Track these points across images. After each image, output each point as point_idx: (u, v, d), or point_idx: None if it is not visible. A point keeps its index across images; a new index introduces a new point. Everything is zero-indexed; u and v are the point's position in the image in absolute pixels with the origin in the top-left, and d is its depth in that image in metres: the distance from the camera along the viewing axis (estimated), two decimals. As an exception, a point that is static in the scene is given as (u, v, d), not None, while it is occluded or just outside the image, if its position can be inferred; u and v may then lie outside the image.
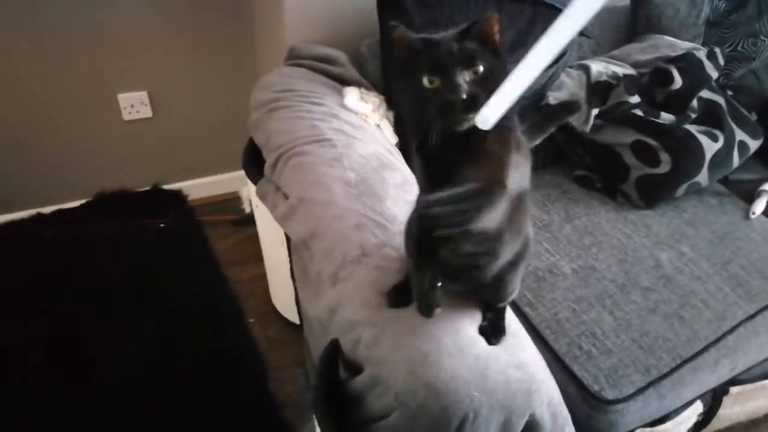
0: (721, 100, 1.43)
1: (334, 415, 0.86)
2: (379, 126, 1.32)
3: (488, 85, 0.62)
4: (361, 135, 1.21)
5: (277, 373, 1.54)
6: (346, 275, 0.94)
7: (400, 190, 1.09)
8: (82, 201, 2.04)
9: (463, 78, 0.63)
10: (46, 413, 1.43)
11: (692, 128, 1.35)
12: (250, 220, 1.73)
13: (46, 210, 2.01)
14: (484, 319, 0.86)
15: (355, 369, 0.87)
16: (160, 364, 1.54)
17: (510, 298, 0.88)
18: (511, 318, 0.95)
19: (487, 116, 0.59)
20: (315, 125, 1.20)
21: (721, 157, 1.36)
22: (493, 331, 0.84)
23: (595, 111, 1.35)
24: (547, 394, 0.83)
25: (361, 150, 1.16)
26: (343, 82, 1.37)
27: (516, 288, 0.87)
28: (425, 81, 0.64)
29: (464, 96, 0.62)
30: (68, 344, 1.59)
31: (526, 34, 1.37)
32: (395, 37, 0.67)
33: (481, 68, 0.64)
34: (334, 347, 0.92)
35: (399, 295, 0.86)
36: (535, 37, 1.44)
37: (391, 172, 1.13)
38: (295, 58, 1.42)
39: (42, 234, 1.93)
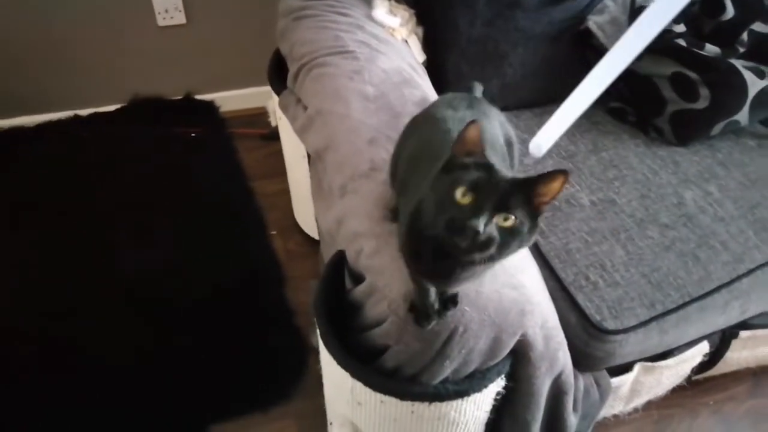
0: (775, 34, 1.33)
1: (333, 319, 0.89)
2: (406, 41, 1.28)
3: (506, 238, 0.60)
4: (385, 49, 1.18)
5: (293, 283, 1.60)
6: (354, 188, 0.95)
7: (419, 108, 1.07)
8: (117, 106, 2.08)
9: (491, 216, 0.59)
10: (71, 301, 1.53)
11: (738, 63, 1.26)
12: (278, 135, 1.74)
13: (83, 112, 2.06)
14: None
15: (359, 279, 0.89)
16: (181, 264, 1.62)
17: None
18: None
19: (540, 143, 0.54)
20: (339, 36, 1.17)
21: (766, 96, 1.28)
22: (451, 302, 0.78)
23: (635, 38, 1.28)
24: (541, 316, 0.84)
25: (383, 64, 1.14)
26: (373, -7, 1.32)
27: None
28: (458, 191, 0.60)
29: (481, 229, 0.58)
30: (98, 238, 1.68)
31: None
32: (468, 132, 0.61)
33: (512, 219, 0.59)
34: (340, 257, 0.94)
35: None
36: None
37: (411, 89, 1.11)
38: (326, -34, 1.37)
39: (79, 134, 2.00)
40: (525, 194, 0.60)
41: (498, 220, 0.60)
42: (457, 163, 0.62)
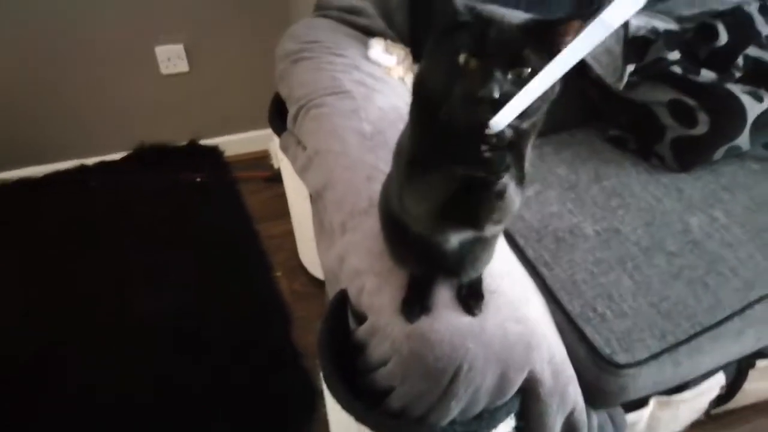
0: (771, 58, 1.34)
1: (338, 361, 0.88)
2: (403, 79, 1.30)
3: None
4: (381, 87, 1.19)
5: (300, 324, 1.58)
6: (354, 225, 0.94)
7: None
8: (123, 153, 2.10)
9: (504, 75, 0.54)
10: (84, 352, 1.52)
11: (735, 87, 1.27)
12: (281, 177, 1.75)
13: (90, 161, 2.09)
14: (460, 289, 0.82)
15: (362, 318, 0.87)
16: (189, 307, 1.62)
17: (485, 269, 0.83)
18: (519, 272, 0.94)
19: (499, 121, 0.53)
20: (336, 77, 1.19)
21: (766, 120, 1.27)
22: (474, 299, 0.79)
23: (630, 67, 1.29)
24: (548, 350, 0.82)
25: (379, 102, 1.14)
26: (370, 33, 1.34)
27: (491, 258, 0.82)
28: (461, 58, 0.55)
29: (496, 95, 0.53)
30: (106, 286, 1.69)
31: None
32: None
33: (527, 72, 0.54)
34: (342, 296, 0.93)
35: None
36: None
37: (408, 125, 1.12)
38: (322, 9, 1.40)
39: (85, 183, 2.03)
40: (540, 40, 0.55)
41: (512, 75, 0.54)
42: (447, 26, 0.57)
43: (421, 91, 0.63)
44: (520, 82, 0.54)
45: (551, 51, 0.54)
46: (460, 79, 0.55)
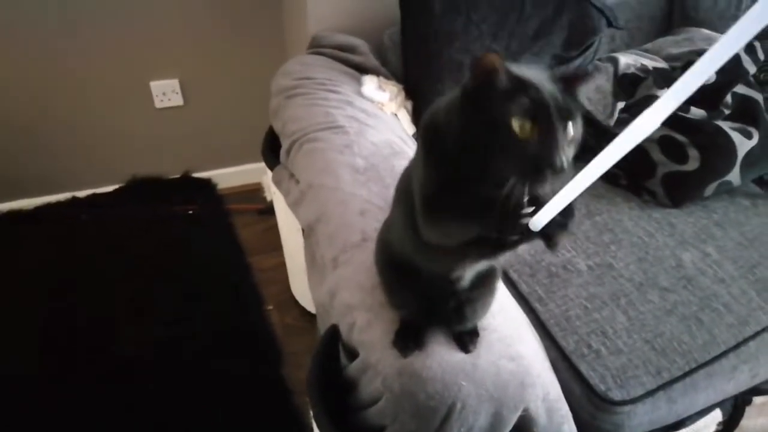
0: (758, 96, 1.35)
1: (329, 399, 0.86)
2: (396, 115, 1.31)
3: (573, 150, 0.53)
4: (374, 123, 1.20)
5: (291, 359, 1.56)
6: (346, 259, 0.94)
7: (410, 179, 1.08)
8: (116, 186, 2.10)
9: (565, 139, 0.52)
10: (71, 385, 1.49)
11: (724, 124, 1.29)
12: (274, 210, 1.75)
13: (81, 194, 2.09)
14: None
15: (353, 354, 0.86)
16: (179, 341, 1.59)
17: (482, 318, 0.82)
18: (514, 309, 0.93)
19: (541, 220, 0.52)
20: (329, 112, 1.20)
21: (756, 156, 1.29)
22: (469, 335, 0.79)
23: (620, 104, 1.31)
24: (542, 388, 0.81)
25: (373, 137, 1.15)
26: (363, 70, 1.36)
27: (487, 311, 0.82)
28: (515, 124, 0.51)
29: (566, 165, 0.51)
30: (95, 319, 1.66)
31: (551, 24, 1.33)
32: (491, 62, 0.51)
33: (573, 130, 0.53)
34: (333, 332, 0.92)
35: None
36: (560, 26, 1.40)
37: (401, 160, 1.12)
38: (316, 46, 1.42)
39: (76, 216, 2.02)
40: (569, 93, 0.54)
41: (566, 135, 0.52)
42: (487, 92, 0.52)
43: (440, 144, 0.58)
44: (572, 140, 0.53)
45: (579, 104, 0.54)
46: (516, 148, 0.51)
